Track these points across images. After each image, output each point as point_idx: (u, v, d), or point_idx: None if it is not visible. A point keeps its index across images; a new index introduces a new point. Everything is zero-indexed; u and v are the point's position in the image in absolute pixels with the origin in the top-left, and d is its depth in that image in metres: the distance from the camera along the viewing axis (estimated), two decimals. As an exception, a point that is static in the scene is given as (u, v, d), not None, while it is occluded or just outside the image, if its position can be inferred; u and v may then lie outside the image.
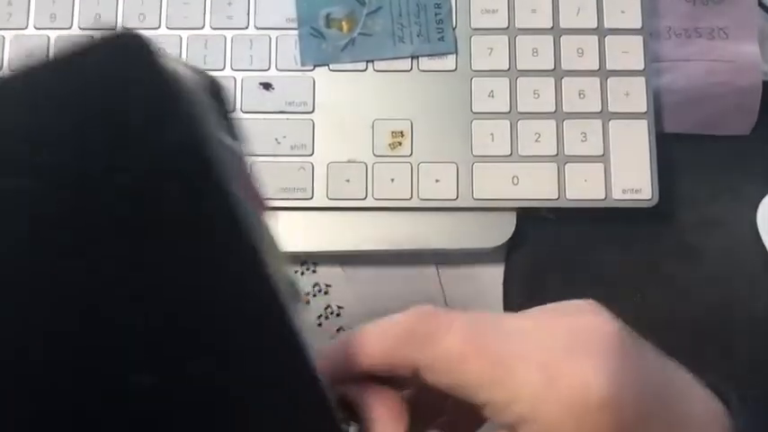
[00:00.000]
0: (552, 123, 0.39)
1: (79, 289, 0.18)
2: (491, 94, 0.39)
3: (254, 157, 0.39)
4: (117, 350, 0.18)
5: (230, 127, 0.20)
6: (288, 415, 0.19)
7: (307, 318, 0.39)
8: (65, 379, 0.18)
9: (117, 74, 0.19)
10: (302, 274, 0.40)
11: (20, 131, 0.18)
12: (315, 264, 0.40)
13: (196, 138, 0.18)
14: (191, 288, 0.18)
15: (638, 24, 0.40)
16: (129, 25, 0.40)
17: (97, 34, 0.19)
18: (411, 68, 0.40)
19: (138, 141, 0.18)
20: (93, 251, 0.18)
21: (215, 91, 0.20)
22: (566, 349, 0.22)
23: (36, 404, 0.18)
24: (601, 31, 0.40)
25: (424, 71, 0.40)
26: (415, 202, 0.38)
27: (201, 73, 0.19)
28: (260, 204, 0.21)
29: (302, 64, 0.40)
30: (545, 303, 0.35)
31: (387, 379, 0.23)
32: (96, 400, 0.18)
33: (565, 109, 0.39)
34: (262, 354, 0.19)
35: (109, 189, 0.18)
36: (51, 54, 0.18)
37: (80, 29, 0.40)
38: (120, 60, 0.19)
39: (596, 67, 0.40)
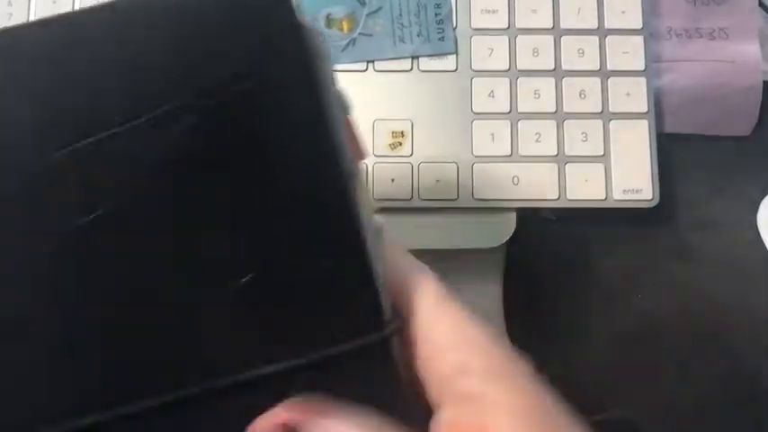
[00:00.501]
0: (553, 123, 0.39)
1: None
2: (491, 95, 0.39)
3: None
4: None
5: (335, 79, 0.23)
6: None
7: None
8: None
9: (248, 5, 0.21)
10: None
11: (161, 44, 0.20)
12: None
13: (313, 82, 0.21)
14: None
15: (638, 24, 0.40)
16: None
17: None
18: (411, 68, 0.40)
19: (260, 60, 0.21)
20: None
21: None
22: None
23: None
24: (601, 32, 0.40)
25: (424, 71, 0.40)
26: (415, 202, 0.38)
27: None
28: (358, 152, 0.23)
29: (302, 64, 0.40)
30: (545, 303, 0.35)
31: None
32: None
33: (565, 109, 0.39)
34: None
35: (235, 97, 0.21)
36: None
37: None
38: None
39: (597, 68, 0.40)
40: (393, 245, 0.23)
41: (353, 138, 0.23)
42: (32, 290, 0.21)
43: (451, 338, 0.22)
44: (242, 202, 0.21)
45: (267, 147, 0.21)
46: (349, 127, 0.23)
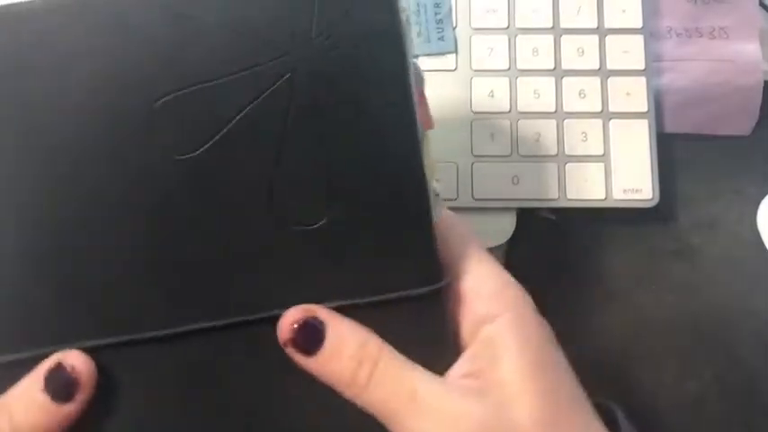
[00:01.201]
0: (552, 123, 0.39)
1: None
2: (491, 94, 0.39)
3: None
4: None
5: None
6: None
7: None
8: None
9: None
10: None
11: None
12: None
13: (400, 53, 0.24)
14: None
15: (638, 24, 0.40)
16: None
17: None
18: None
19: (353, 25, 0.24)
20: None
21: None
22: None
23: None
24: (601, 31, 0.40)
25: (424, 71, 0.40)
26: (414, 202, 0.38)
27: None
28: (427, 121, 0.26)
29: (302, 63, 0.40)
30: (544, 304, 0.35)
31: None
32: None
33: (565, 109, 0.39)
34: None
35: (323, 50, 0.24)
36: None
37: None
38: None
39: (597, 67, 0.40)
40: (445, 209, 0.27)
41: (425, 107, 0.26)
42: (121, 216, 0.24)
43: (490, 291, 0.25)
44: (322, 150, 0.24)
45: (351, 101, 0.24)
46: (422, 97, 0.26)
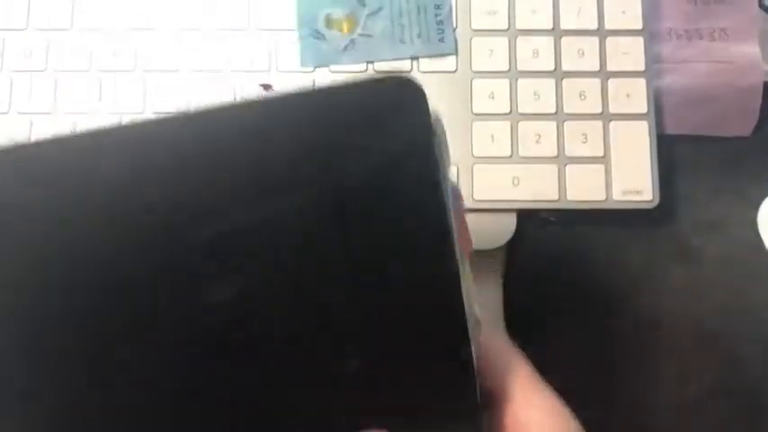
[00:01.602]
0: (553, 124, 0.39)
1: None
2: (491, 96, 0.39)
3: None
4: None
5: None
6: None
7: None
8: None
9: (391, 101, 0.23)
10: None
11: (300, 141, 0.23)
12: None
13: (437, 177, 0.23)
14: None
15: (638, 25, 0.40)
16: (129, 27, 0.40)
17: (371, 76, 0.23)
18: (411, 69, 0.40)
19: (393, 161, 0.23)
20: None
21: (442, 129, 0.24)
22: None
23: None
24: (601, 33, 0.40)
25: (424, 72, 0.40)
26: (415, 204, 0.38)
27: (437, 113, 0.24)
28: (466, 244, 0.25)
29: (302, 65, 0.40)
30: (545, 304, 0.35)
31: None
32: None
33: (565, 110, 0.39)
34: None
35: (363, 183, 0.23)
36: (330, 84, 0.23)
37: (78, 30, 0.40)
38: (395, 92, 0.23)
39: (597, 69, 0.40)
40: (489, 325, 0.25)
41: (463, 228, 0.25)
42: (160, 355, 0.23)
43: (538, 420, 0.24)
44: (357, 281, 0.23)
45: (387, 230, 0.23)
46: (461, 219, 0.25)
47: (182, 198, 0.22)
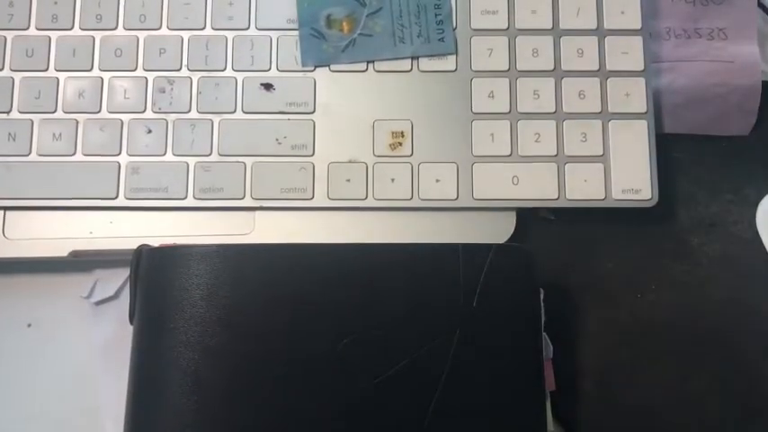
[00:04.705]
0: (552, 124, 0.39)
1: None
2: (491, 95, 0.39)
3: (257, 158, 0.39)
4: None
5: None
6: None
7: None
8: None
9: (512, 263, 0.32)
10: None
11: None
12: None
13: (538, 301, 0.32)
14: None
15: (637, 25, 0.40)
16: (130, 26, 0.40)
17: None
18: (411, 69, 0.40)
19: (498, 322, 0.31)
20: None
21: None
22: None
23: None
24: (600, 32, 0.40)
25: (424, 72, 0.40)
26: (415, 203, 0.39)
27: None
28: (550, 384, 0.32)
29: (303, 65, 0.40)
30: (544, 304, 0.35)
31: None
32: None
33: (565, 109, 0.39)
34: None
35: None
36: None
37: (81, 29, 0.40)
38: (514, 256, 0.32)
39: (596, 68, 0.40)
40: None
41: (550, 371, 0.32)
42: None
43: None
44: (464, 404, 0.30)
45: (492, 366, 0.30)
46: (548, 362, 0.32)
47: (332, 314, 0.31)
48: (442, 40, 0.40)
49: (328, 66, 0.40)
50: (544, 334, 0.31)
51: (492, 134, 0.39)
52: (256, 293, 0.31)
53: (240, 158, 0.39)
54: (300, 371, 0.30)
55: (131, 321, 0.33)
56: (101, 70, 0.40)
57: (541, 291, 0.32)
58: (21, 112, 0.39)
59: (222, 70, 0.40)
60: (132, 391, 0.31)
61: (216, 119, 0.39)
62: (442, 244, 0.32)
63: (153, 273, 0.32)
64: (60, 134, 0.39)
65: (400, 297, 0.31)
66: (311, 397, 0.30)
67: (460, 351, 0.30)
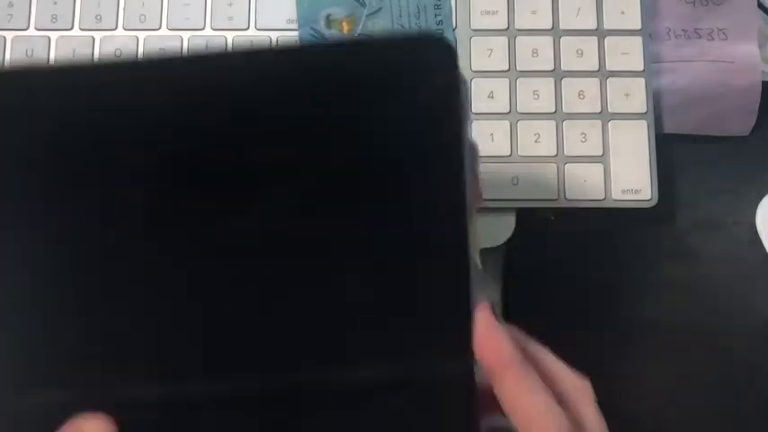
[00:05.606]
0: (552, 124, 0.39)
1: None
2: (491, 95, 0.39)
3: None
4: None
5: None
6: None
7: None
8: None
9: (424, 56, 0.24)
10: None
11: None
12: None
13: (461, 134, 0.25)
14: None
15: (637, 25, 0.40)
16: (130, 27, 0.40)
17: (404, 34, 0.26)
18: (411, 69, 0.40)
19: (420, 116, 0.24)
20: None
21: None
22: None
23: None
24: (600, 32, 0.40)
25: (424, 72, 0.40)
26: (415, 203, 0.38)
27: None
28: (477, 197, 0.27)
29: (302, 65, 0.40)
30: (544, 303, 0.35)
31: None
32: None
33: (564, 109, 0.39)
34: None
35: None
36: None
37: (81, 30, 0.40)
38: (428, 48, 0.24)
39: (596, 68, 0.40)
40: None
41: (476, 182, 0.27)
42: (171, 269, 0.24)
43: (530, 414, 0.25)
44: (372, 216, 0.25)
45: (404, 172, 0.24)
46: (475, 173, 0.27)
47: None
48: (441, 40, 0.40)
49: (328, 66, 0.40)
50: (471, 139, 0.26)
51: (492, 134, 0.39)
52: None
53: (240, 159, 0.39)
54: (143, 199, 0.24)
55: None
56: (100, 70, 0.40)
57: (466, 84, 0.26)
58: (20, 113, 0.39)
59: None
60: None
61: (216, 119, 0.39)
62: (341, 42, 0.26)
63: None
64: (60, 134, 0.39)
65: (288, 103, 0.24)
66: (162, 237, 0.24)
67: (368, 156, 0.25)
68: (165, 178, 0.24)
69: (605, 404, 0.37)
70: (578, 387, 0.28)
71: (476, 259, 0.25)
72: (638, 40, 0.40)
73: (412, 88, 0.24)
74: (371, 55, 0.24)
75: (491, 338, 0.25)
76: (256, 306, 0.24)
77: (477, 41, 0.40)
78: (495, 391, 0.26)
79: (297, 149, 0.24)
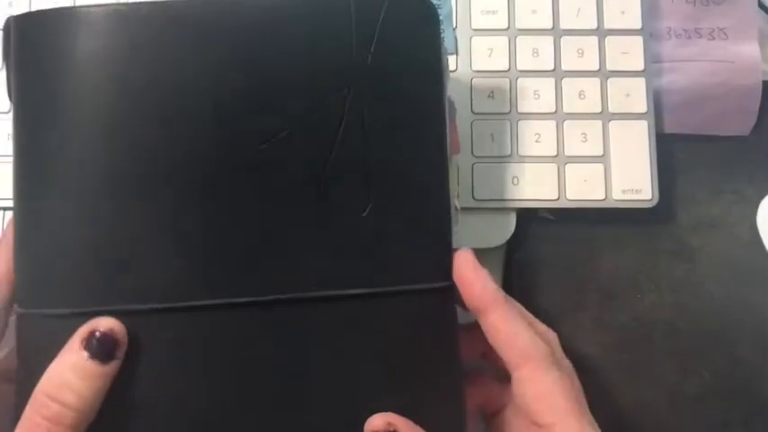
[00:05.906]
0: (552, 124, 0.39)
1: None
2: (491, 95, 0.39)
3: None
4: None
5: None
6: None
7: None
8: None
9: (410, 9, 0.29)
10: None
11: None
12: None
13: (439, 57, 0.29)
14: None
15: (638, 25, 0.40)
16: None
17: None
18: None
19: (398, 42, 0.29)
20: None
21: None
22: None
23: None
24: (601, 32, 0.40)
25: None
26: (415, 203, 0.38)
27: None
28: (454, 145, 0.30)
29: (303, 64, 0.40)
30: (545, 303, 0.35)
31: None
32: None
33: (565, 109, 0.39)
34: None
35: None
36: None
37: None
38: (404, 11, 0.29)
39: (596, 68, 0.40)
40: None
41: (454, 133, 0.30)
42: (175, 193, 0.28)
43: (519, 342, 0.29)
44: (365, 159, 0.28)
45: (393, 122, 0.28)
46: (453, 124, 0.30)
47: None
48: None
49: (328, 66, 0.40)
50: (449, 94, 0.29)
51: (492, 134, 0.39)
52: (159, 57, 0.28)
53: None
54: (184, 133, 0.28)
55: (10, 98, 0.29)
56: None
57: (444, 44, 0.30)
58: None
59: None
60: (18, 174, 0.28)
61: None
62: None
63: (27, 40, 0.28)
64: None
65: (286, 54, 0.28)
66: (194, 162, 0.28)
67: (354, 110, 0.28)
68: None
69: (605, 404, 0.37)
70: (548, 332, 0.31)
71: (454, 201, 0.30)
72: (638, 40, 0.40)
73: (400, 36, 0.28)
74: (361, 10, 0.28)
75: (476, 276, 0.29)
76: (273, 229, 0.28)
77: (477, 41, 0.40)
78: (482, 324, 0.29)
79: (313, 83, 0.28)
